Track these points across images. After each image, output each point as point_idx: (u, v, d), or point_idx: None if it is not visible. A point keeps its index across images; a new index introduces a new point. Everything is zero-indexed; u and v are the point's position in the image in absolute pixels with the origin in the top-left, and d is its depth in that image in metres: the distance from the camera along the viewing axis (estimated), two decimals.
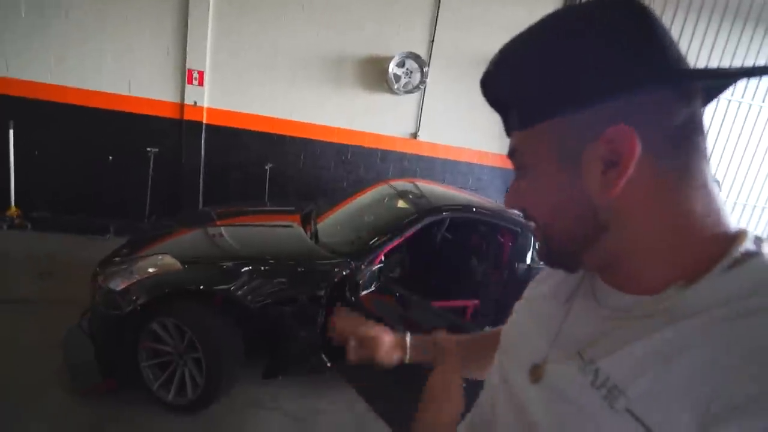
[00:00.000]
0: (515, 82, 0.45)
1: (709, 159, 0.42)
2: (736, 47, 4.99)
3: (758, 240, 0.40)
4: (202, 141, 4.35)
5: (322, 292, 2.08)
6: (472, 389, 0.65)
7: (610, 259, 0.44)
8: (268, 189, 4.54)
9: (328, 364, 2.14)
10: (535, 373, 0.48)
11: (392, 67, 4.42)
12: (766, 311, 0.34)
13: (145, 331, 2.01)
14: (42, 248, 3.54)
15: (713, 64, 4.72)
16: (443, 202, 2.62)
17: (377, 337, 0.76)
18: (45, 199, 4.14)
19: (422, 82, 4.54)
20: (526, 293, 0.63)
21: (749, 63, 5.04)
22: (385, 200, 2.84)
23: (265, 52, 4.27)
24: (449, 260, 3.13)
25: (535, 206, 0.47)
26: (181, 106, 4.22)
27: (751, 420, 0.31)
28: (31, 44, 3.79)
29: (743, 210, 5.63)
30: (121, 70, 4.02)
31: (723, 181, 5.34)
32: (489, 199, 3.16)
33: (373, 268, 2.20)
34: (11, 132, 3.80)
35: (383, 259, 2.29)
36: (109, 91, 4.04)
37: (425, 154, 4.95)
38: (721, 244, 0.39)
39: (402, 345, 0.77)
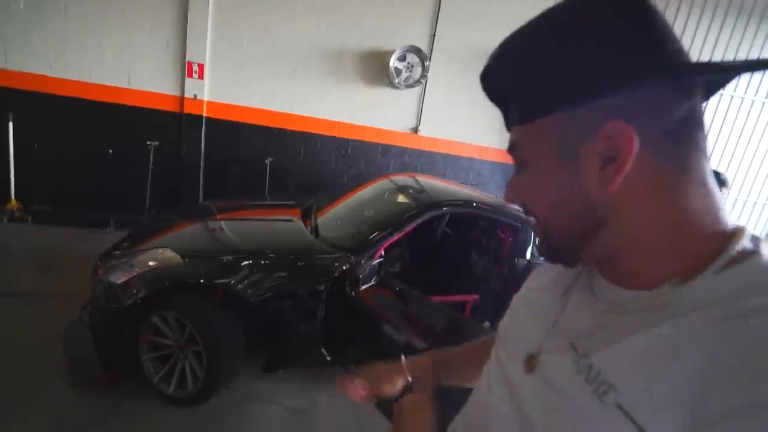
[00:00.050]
0: (515, 77, 0.44)
1: (709, 155, 0.42)
2: (740, 42, 4.96)
3: (755, 238, 0.40)
4: (203, 134, 4.33)
5: (323, 287, 2.09)
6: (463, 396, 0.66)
7: (607, 255, 0.44)
8: (268, 183, 4.54)
9: (328, 358, 2.15)
10: (530, 363, 0.49)
11: (393, 61, 4.40)
12: (762, 312, 0.34)
13: (145, 325, 2.02)
14: (42, 241, 3.54)
15: (716, 58, 4.69)
16: (444, 197, 2.62)
17: (380, 378, 0.78)
18: (45, 193, 4.14)
19: (423, 76, 4.52)
20: (525, 286, 0.63)
21: (753, 57, 5.01)
22: (386, 195, 2.84)
23: (265, 45, 4.24)
24: (449, 255, 3.13)
25: (535, 202, 0.47)
26: (181, 99, 4.20)
27: (747, 422, 0.30)
28: (30, 36, 3.77)
29: (744, 207, 5.63)
30: (120, 63, 4.00)
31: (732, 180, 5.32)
32: (489, 194, 3.16)
33: (374, 263, 2.20)
34: (11, 125, 3.79)
35: (383, 253, 2.29)
36: (108, 84, 4.02)
37: (426, 148, 4.94)
38: (718, 242, 0.39)
39: (399, 370, 0.77)
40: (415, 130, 4.82)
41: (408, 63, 4.47)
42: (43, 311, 2.54)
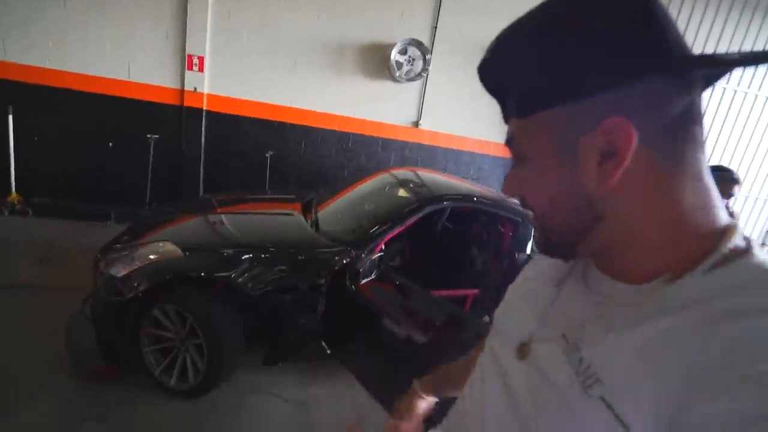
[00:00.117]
0: (513, 69, 0.44)
1: (704, 149, 0.41)
2: (745, 36, 4.92)
3: (747, 239, 0.40)
4: (203, 128, 4.32)
5: (323, 280, 2.09)
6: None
7: (603, 249, 0.44)
8: (268, 177, 4.53)
9: (328, 352, 2.16)
10: (522, 351, 0.49)
11: (394, 54, 4.36)
12: (748, 314, 0.33)
13: (146, 318, 2.03)
14: (42, 234, 3.55)
15: (720, 52, 4.65)
16: (444, 191, 2.61)
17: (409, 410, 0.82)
18: (45, 185, 4.14)
19: (424, 69, 4.49)
20: (521, 276, 0.63)
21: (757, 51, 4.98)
22: (386, 189, 2.83)
23: (265, 37, 4.21)
24: (449, 249, 3.13)
25: (534, 196, 0.47)
26: (181, 92, 4.19)
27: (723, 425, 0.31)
28: (29, 28, 3.74)
29: (744, 202, 5.62)
30: (120, 55, 3.98)
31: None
32: (490, 188, 3.15)
33: (374, 257, 2.20)
34: (10, 117, 3.78)
35: (384, 247, 2.29)
36: (108, 77, 4.00)
37: (426, 142, 4.92)
38: (711, 240, 0.39)
39: (414, 392, 0.82)
40: (416, 124, 4.81)
41: (409, 56, 4.44)
42: (44, 304, 2.55)
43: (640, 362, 0.37)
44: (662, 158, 0.39)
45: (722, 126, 5.23)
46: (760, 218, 5.73)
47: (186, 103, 4.20)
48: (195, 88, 4.17)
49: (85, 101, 3.99)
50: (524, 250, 2.52)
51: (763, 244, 5.69)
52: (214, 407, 2.09)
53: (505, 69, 0.45)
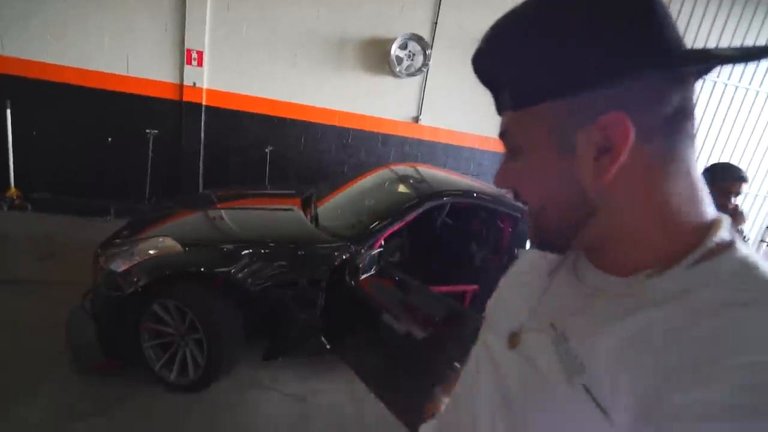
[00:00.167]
0: (507, 61, 0.43)
1: (695, 143, 0.41)
2: (747, 31, 4.90)
3: (732, 232, 0.40)
4: (202, 123, 4.31)
5: (322, 276, 2.09)
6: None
7: (595, 243, 0.45)
8: (268, 172, 4.52)
9: (328, 347, 2.17)
10: (513, 341, 0.50)
11: (394, 49, 4.34)
12: (728, 307, 0.34)
13: (146, 313, 2.03)
14: (42, 229, 3.55)
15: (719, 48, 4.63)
16: (444, 187, 2.61)
17: None
18: (45, 181, 4.13)
19: (425, 64, 4.47)
20: (513, 267, 0.64)
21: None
22: (386, 184, 2.83)
23: (264, 31, 4.19)
24: (449, 245, 3.13)
25: (530, 190, 0.46)
26: (181, 87, 4.17)
27: (691, 426, 0.31)
28: (28, 22, 3.72)
29: (744, 198, 5.62)
30: (119, 49, 3.96)
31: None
32: (490, 184, 3.15)
33: (373, 252, 2.20)
34: (8, 112, 3.76)
35: (383, 243, 2.29)
36: (107, 71, 3.98)
37: (427, 138, 4.91)
38: (697, 234, 0.40)
39: (437, 398, 0.83)
40: (416, 119, 4.79)
41: (409, 51, 4.42)
42: (44, 299, 2.55)
43: (621, 352, 0.37)
44: (656, 154, 0.39)
45: (722, 123, 5.22)
46: (759, 215, 5.73)
47: (185, 98, 4.19)
48: (194, 83, 4.15)
49: (84, 96, 3.98)
50: (524, 246, 2.53)
51: (763, 240, 5.70)
52: (214, 402, 2.10)
53: (501, 60, 0.44)
